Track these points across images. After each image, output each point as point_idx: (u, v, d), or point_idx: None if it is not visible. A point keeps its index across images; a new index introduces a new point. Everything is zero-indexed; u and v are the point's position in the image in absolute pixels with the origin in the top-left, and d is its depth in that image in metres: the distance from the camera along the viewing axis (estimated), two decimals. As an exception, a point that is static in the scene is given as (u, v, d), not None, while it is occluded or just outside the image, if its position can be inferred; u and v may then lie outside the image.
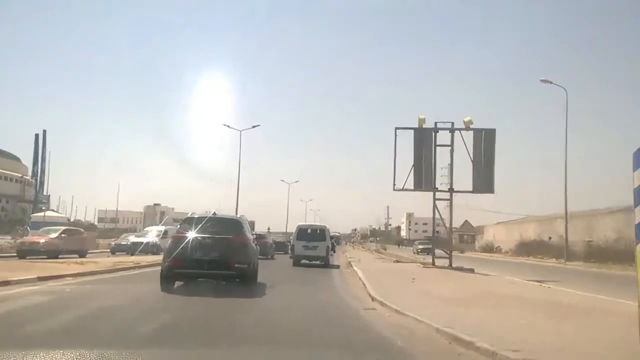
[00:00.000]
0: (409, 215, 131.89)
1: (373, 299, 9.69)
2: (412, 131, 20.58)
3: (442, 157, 20.45)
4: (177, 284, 10.43)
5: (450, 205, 20.27)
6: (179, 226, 12.29)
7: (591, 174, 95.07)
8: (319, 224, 24.50)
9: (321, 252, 21.36)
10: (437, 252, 21.61)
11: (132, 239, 28.19)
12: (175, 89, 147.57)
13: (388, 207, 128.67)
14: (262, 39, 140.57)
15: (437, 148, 20.41)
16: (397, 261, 25.04)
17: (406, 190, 20.69)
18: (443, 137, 20.48)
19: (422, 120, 20.46)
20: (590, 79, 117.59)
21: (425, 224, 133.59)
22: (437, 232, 23.55)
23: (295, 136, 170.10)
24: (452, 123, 20.48)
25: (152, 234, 27.70)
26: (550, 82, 31.85)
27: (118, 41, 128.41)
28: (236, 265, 10.10)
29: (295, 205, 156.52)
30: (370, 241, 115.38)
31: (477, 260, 32.65)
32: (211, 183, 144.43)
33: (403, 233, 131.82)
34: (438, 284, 13.19)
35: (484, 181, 19.92)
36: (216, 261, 9.96)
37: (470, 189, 20.14)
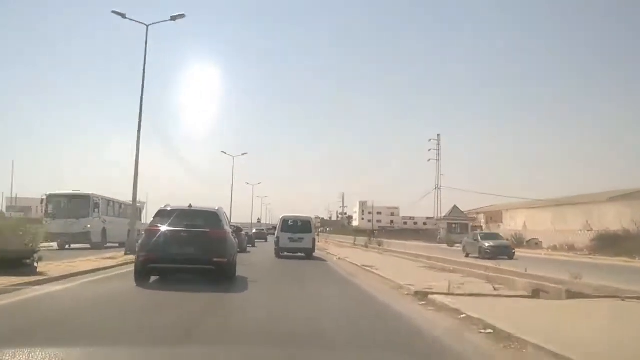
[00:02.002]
0: (362, 204, 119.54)
1: None
2: None
3: None
4: (153, 278, 10.17)
5: None
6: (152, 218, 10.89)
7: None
8: (303, 215, 23.40)
9: (307, 244, 21.27)
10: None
11: None
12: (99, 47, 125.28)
13: (343, 194, 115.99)
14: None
15: None
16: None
17: None
18: None
19: None
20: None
21: (379, 213, 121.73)
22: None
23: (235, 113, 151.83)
24: None
25: None
26: None
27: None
28: (215, 259, 9.75)
29: (238, 190, 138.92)
30: (321, 232, 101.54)
31: (574, 265, 17.78)
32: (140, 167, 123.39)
33: (355, 223, 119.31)
34: None
35: None
36: (193, 255, 9.71)
37: None
